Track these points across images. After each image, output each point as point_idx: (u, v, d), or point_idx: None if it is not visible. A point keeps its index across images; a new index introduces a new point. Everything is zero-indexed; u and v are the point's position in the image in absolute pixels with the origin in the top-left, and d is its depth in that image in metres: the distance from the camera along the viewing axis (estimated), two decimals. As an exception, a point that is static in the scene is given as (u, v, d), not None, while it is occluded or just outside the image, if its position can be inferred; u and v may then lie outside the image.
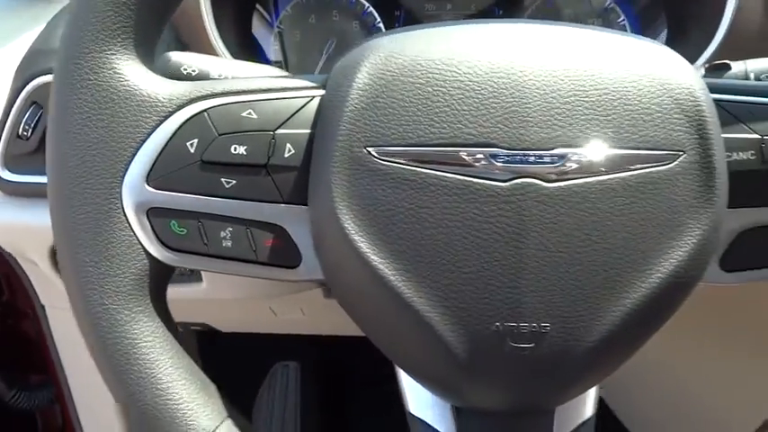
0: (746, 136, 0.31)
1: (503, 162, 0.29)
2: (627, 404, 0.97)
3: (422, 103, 0.29)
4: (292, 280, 0.33)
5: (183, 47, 0.56)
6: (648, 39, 0.32)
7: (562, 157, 0.29)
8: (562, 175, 0.29)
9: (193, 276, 0.59)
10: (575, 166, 0.29)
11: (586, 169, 0.29)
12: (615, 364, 0.32)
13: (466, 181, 0.29)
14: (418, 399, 0.36)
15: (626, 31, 0.64)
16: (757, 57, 0.39)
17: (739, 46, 0.53)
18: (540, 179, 0.29)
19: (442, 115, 0.29)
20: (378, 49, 0.31)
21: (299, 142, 0.31)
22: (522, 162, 0.29)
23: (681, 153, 0.29)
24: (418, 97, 0.29)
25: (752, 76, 0.39)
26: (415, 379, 0.33)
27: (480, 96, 0.29)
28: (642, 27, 0.63)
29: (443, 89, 0.29)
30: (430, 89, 0.29)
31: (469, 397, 0.32)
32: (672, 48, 0.62)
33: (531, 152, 0.29)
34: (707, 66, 0.41)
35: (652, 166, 0.29)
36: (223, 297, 0.63)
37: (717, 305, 0.70)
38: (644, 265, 0.29)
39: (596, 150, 0.29)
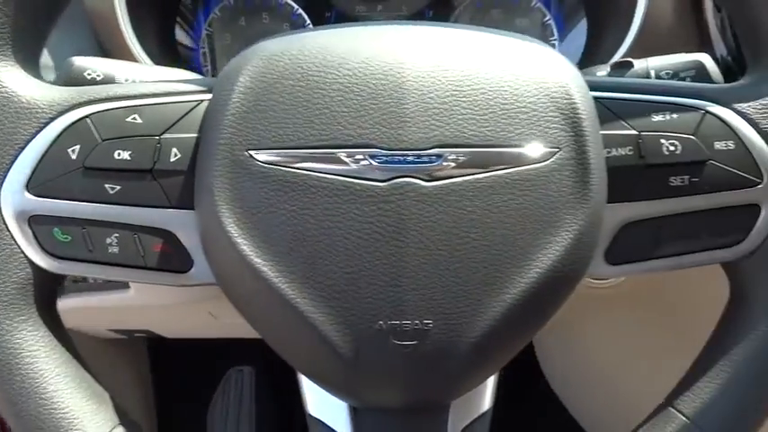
0: (624, 132, 0.32)
1: (381, 162, 0.29)
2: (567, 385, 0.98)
3: (301, 105, 0.30)
4: (184, 284, 0.33)
5: (105, 54, 0.56)
6: (531, 38, 0.33)
7: (440, 156, 0.29)
8: (440, 174, 0.29)
9: (120, 283, 0.58)
10: (452, 164, 0.29)
11: (464, 168, 0.29)
12: (502, 358, 0.32)
13: (346, 182, 0.29)
14: (316, 400, 0.36)
15: (552, 30, 0.65)
16: (668, 54, 0.41)
17: (652, 44, 0.54)
18: (419, 178, 0.29)
19: (321, 117, 0.29)
20: (261, 52, 0.31)
21: (185, 146, 0.31)
22: (400, 162, 0.29)
23: (557, 150, 0.30)
24: (298, 100, 0.30)
25: (652, 73, 0.40)
26: (310, 379, 0.33)
27: (359, 98, 0.29)
28: (566, 26, 0.65)
29: (323, 91, 0.30)
30: (309, 91, 0.30)
31: (361, 396, 0.32)
32: (591, 46, 0.64)
33: (409, 152, 0.29)
34: (611, 64, 0.42)
35: (528, 164, 0.30)
36: (153, 303, 0.63)
37: (650, 298, 0.72)
38: (522, 260, 0.30)
39: (473, 149, 0.29)
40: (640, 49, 0.54)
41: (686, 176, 0.31)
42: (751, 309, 0.32)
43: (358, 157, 0.29)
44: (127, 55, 0.53)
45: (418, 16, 0.67)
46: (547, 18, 0.65)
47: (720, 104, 0.32)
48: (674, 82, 0.36)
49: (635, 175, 0.32)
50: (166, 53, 0.58)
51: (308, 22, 0.65)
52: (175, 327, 0.82)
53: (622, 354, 0.85)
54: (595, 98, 0.32)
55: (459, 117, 0.30)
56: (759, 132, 0.31)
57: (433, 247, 0.29)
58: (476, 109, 0.30)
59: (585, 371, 0.95)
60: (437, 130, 0.29)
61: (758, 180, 0.31)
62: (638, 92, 0.33)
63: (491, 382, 0.37)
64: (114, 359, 1.00)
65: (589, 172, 0.30)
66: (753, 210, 0.32)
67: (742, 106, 0.32)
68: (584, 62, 0.61)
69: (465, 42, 0.31)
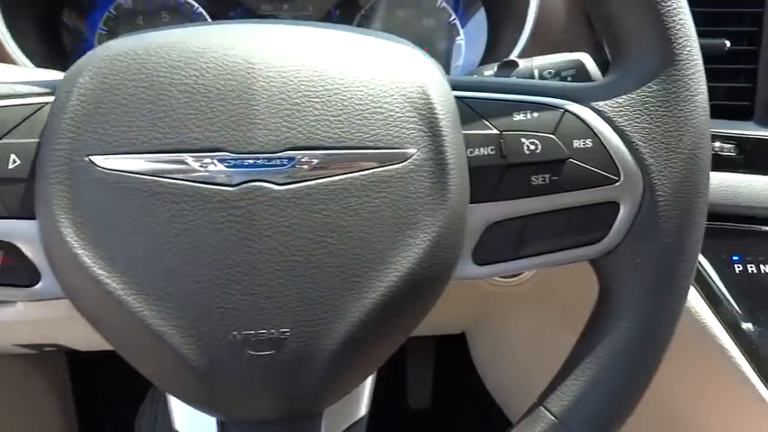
0: (486, 132, 0.32)
1: (230, 166, 0.28)
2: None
3: (146, 107, 0.28)
4: (33, 299, 0.31)
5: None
6: (393, 37, 0.32)
7: (292, 159, 0.28)
8: (292, 178, 0.28)
9: (5, 297, 0.55)
10: (305, 167, 0.28)
11: (317, 170, 0.28)
12: (370, 363, 0.32)
13: (194, 187, 0.28)
14: (183, 415, 0.34)
15: (457, 30, 0.65)
16: (564, 51, 0.41)
17: (548, 44, 0.55)
18: (271, 182, 0.28)
19: (166, 120, 0.28)
20: (105, 51, 0.29)
21: (25, 153, 0.29)
22: (250, 166, 0.28)
23: (413, 151, 0.29)
24: (142, 102, 0.28)
25: (536, 72, 0.40)
26: (171, 395, 0.32)
27: (207, 99, 0.28)
28: (470, 25, 0.65)
29: (168, 93, 0.28)
30: (154, 93, 0.28)
31: (224, 409, 0.31)
32: (492, 45, 0.64)
33: (260, 155, 0.28)
34: (498, 63, 0.42)
35: (384, 165, 0.29)
36: (49, 316, 0.60)
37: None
38: (381, 264, 0.29)
39: (326, 151, 0.29)
40: (537, 49, 0.54)
41: (547, 175, 0.31)
42: (614, 306, 0.33)
43: (206, 161, 0.28)
44: (3, 55, 0.50)
45: (325, 16, 0.66)
46: (452, 18, 0.65)
47: (579, 103, 0.32)
48: (537, 81, 0.36)
49: (497, 175, 0.31)
50: (51, 54, 0.55)
51: (209, 20, 0.64)
52: (85, 339, 0.78)
53: (543, 350, 0.86)
54: (458, 98, 0.32)
55: (312, 118, 0.29)
56: (615, 130, 0.32)
57: (287, 253, 0.28)
58: (329, 110, 0.29)
59: (511, 368, 0.97)
60: (288, 132, 0.28)
61: (616, 178, 0.31)
62: (501, 91, 0.33)
63: (367, 388, 0.36)
64: (29, 373, 0.95)
65: (447, 173, 0.30)
66: (612, 207, 0.32)
67: (599, 104, 0.32)
68: (486, 60, 0.62)
69: (320, 41, 0.30)
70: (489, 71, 0.42)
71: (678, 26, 0.31)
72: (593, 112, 0.32)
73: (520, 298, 0.72)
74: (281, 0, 0.66)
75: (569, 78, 0.40)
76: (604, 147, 0.31)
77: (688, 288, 0.33)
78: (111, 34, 0.62)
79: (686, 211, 0.32)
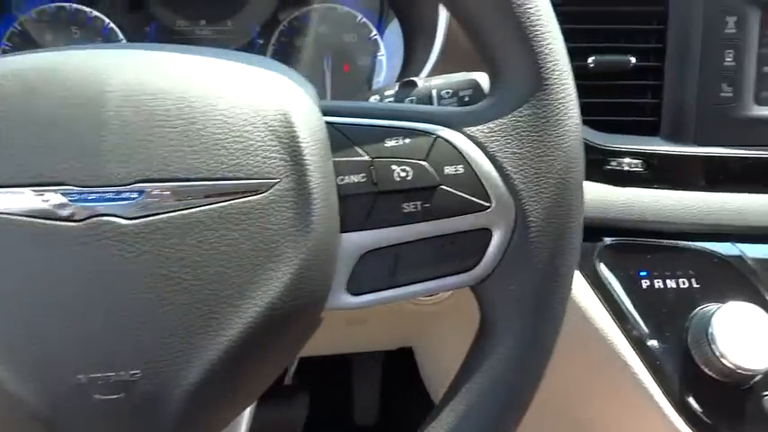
0: (358, 159, 0.31)
1: (75, 200, 0.27)
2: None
3: None
4: None
5: None
6: (268, 62, 0.31)
7: (142, 192, 0.27)
8: (142, 211, 0.27)
9: None
10: (156, 200, 0.27)
11: (169, 203, 0.27)
12: (236, 402, 0.30)
13: (34, 222, 0.26)
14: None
15: (378, 45, 0.65)
16: (476, 70, 0.40)
17: (457, 59, 0.55)
18: (118, 216, 0.27)
19: (5, 151, 0.27)
20: None
21: None
22: (98, 200, 0.27)
23: (275, 181, 0.28)
24: None
25: (434, 92, 0.39)
26: None
27: (50, 129, 0.27)
28: (388, 41, 0.64)
29: (8, 122, 0.27)
30: None
31: None
32: (407, 61, 0.63)
33: (108, 188, 0.27)
34: (399, 83, 0.41)
35: (243, 196, 0.28)
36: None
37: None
38: (239, 299, 0.28)
39: (179, 183, 0.27)
40: (448, 66, 0.54)
41: (418, 202, 0.31)
42: (490, 333, 0.32)
43: (48, 195, 0.27)
44: None
45: (243, 30, 0.65)
46: (373, 33, 0.65)
47: (452, 128, 0.32)
48: (412, 105, 0.36)
49: (368, 203, 0.31)
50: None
51: (121, 37, 0.62)
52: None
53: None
54: (330, 123, 0.31)
55: (166, 149, 0.27)
56: (487, 156, 0.31)
57: (137, 291, 0.27)
58: (184, 140, 0.28)
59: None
60: (139, 164, 0.27)
61: (487, 204, 0.31)
62: (375, 117, 0.32)
63: (243, 425, 0.35)
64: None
65: (311, 202, 0.29)
66: (485, 234, 0.31)
67: (471, 130, 0.31)
68: (402, 77, 0.61)
69: (181, 67, 0.29)
70: (390, 91, 0.41)
71: (547, 51, 0.31)
72: (465, 138, 0.31)
73: (448, 315, 0.72)
74: (199, 16, 0.64)
75: (467, 98, 0.39)
76: (475, 173, 0.31)
77: (563, 313, 0.32)
78: (16, 50, 0.59)
79: (559, 236, 0.31)
